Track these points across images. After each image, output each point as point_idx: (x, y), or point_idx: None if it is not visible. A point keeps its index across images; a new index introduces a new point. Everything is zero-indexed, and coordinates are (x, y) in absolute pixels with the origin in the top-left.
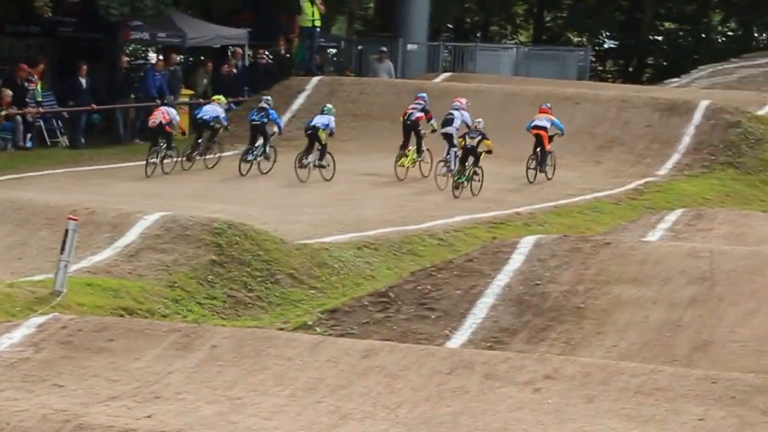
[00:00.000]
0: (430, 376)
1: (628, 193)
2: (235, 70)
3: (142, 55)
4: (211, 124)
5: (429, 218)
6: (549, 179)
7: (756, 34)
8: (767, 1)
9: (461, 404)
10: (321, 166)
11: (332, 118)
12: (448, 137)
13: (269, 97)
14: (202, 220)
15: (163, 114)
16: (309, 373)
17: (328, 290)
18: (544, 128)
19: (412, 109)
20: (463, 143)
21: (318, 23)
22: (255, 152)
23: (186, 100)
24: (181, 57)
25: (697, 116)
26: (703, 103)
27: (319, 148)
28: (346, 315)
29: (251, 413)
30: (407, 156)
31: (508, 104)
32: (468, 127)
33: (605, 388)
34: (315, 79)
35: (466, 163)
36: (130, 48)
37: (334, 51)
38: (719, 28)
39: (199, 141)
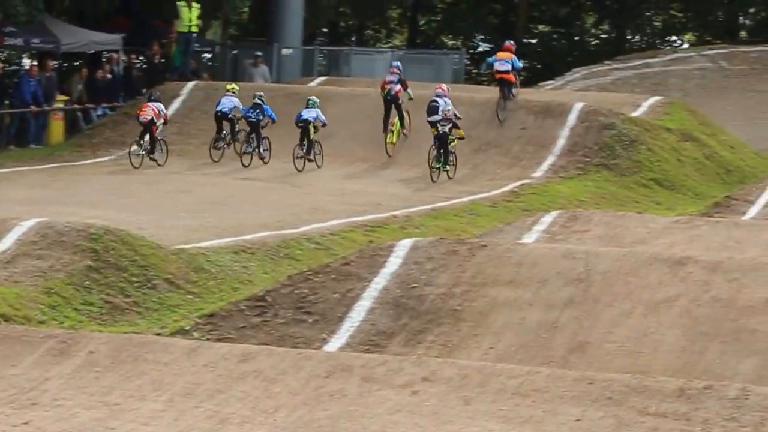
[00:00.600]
0: (308, 380)
1: (504, 196)
2: (110, 76)
3: (17, 61)
4: (230, 116)
5: (305, 222)
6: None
7: (629, 36)
8: (640, 4)
9: (339, 408)
10: (309, 159)
11: (319, 111)
12: (434, 125)
13: (262, 93)
14: (78, 226)
15: (153, 110)
16: (186, 378)
17: (205, 295)
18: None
19: (389, 82)
20: (435, 132)
21: (195, 28)
22: (249, 147)
23: (61, 105)
24: (56, 63)
25: (572, 118)
26: (578, 106)
27: (308, 141)
28: (223, 320)
29: (129, 419)
30: (393, 131)
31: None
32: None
33: (483, 390)
34: (190, 84)
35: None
36: (5, 54)
37: (209, 56)
38: (593, 30)
39: (223, 134)
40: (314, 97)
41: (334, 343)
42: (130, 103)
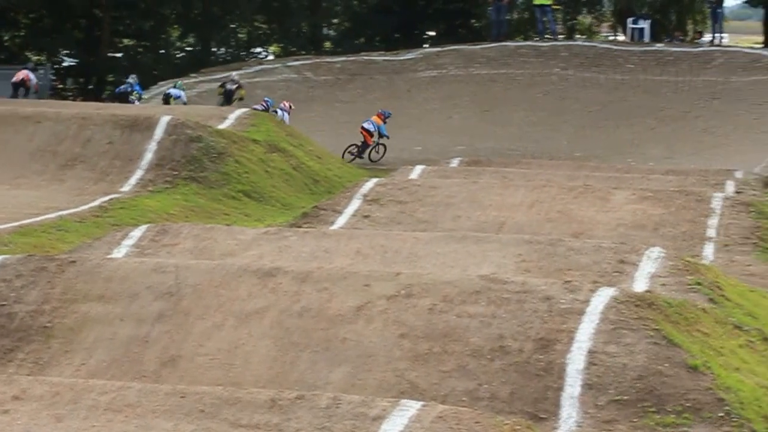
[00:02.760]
0: None
1: (93, 211)
2: None
3: None
4: None
5: None
6: None
7: (215, 49)
8: (224, 16)
9: None
10: None
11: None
12: None
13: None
14: None
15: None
16: None
17: None
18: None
19: None
20: None
21: None
22: None
23: None
24: None
25: (159, 132)
26: (164, 119)
27: None
28: None
29: None
30: None
31: None
32: None
33: (75, 406)
34: None
35: None
36: None
37: None
38: (178, 43)
39: None
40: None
41: None
42: None
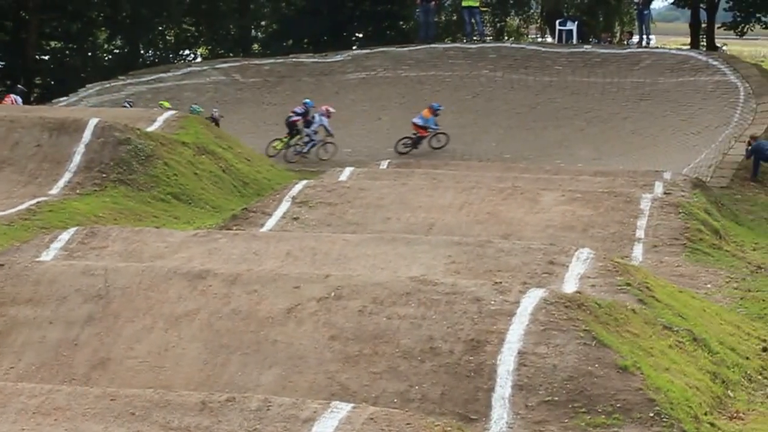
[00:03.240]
0: None
1: (21, 214)
2: None
3: None
4: None
5: None
6: None
7: (142, 51)
8: (152, 18)
9: None
10: None
11: None
12: None
13: None
14: None
15: (12, 100)
16: None
17: None
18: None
19: None
20: None
21: None
22: None
23: None
24: None
25: (87, 134)
26: (93, 121)
27: None
28: None
29: None
30: None
31: None
32: None
33: (3, 410)
34: None
35: None
36: None
37: None
38: (106, 45)
39: None
40: None
41: None
42: None
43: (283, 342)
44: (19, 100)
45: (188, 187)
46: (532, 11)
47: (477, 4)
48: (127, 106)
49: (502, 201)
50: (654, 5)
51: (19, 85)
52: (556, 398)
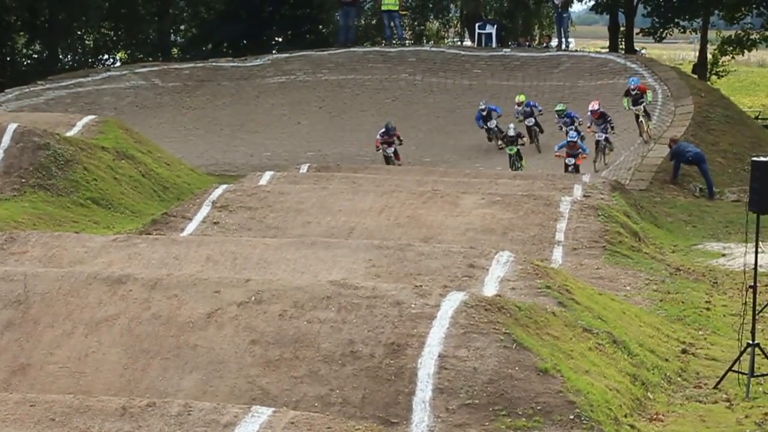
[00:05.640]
0: None
1: None
2: None
3: None
4: None
5: None
6: None
7: (61, 56)
8: (71, 23)
9: None
10: None
11: None
12: None
13: None
14: None
15: None
16: None
17: None
18: None
19: None
20: None
21: None
22: None
23: None
24: None
25: (6, 140)
26: (11, 126)
27: None
28: None
29: None
30: None
31: None
32: None
33: None
34: None
35: None
36: None
37: None
38: (24, 50)
39: None
40: None
41: None
42: None
43: (203, 347)
44: None
45: (108, 192)
46: (451, 15)
47: (396, 8)
48: None
49: (422, 204)
50: (573, 9)
51: None
52: (477, 401)
